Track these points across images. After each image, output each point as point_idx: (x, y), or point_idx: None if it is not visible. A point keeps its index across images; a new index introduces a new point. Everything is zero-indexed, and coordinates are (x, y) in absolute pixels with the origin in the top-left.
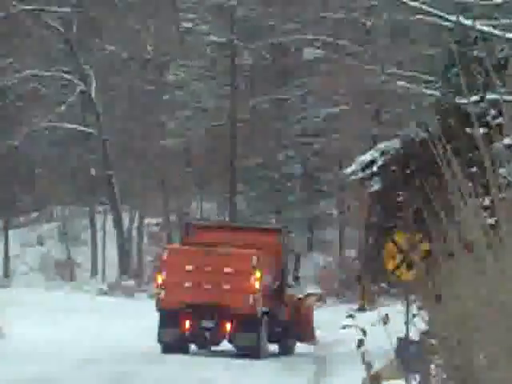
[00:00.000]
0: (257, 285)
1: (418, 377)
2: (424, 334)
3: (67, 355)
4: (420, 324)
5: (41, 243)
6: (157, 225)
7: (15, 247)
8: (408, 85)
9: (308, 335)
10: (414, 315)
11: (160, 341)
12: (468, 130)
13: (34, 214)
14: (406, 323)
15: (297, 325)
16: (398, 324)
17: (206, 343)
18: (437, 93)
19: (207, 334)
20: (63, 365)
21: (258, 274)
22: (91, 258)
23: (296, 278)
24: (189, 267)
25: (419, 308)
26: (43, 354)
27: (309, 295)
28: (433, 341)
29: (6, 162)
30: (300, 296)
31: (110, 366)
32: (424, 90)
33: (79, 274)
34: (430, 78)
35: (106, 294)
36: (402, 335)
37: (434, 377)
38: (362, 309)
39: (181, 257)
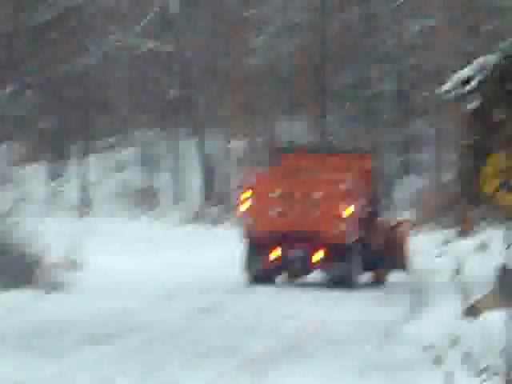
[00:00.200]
0: (348, 210)
1: None
2: None
3: (150, 288)
4: None
5: (121, 169)
6: (243, 148)
7: (94, 174)
8: None
9: (402, 263)
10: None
11: (247, 270)
12: None
13: (113, 139)
14: (508, 250)
15: (391, 252)
16: (498, 251)
17: (296, 273)
18: None
19: (297, 263)
20: (146, 298)
21: (348, 199)
22: (174, 185)
23: (390, 202)
24: (277, 193)
25: None
26: (125, 287)
27: (403, 222)
28: None
29: (82, 83)
30: (394, 222)
31: (193, 297)
32: None
33: (162, 202)
34: None
35: (190, 222)
36: (502, 263)
37: None
38: (460, 234)
39: (268, 183)
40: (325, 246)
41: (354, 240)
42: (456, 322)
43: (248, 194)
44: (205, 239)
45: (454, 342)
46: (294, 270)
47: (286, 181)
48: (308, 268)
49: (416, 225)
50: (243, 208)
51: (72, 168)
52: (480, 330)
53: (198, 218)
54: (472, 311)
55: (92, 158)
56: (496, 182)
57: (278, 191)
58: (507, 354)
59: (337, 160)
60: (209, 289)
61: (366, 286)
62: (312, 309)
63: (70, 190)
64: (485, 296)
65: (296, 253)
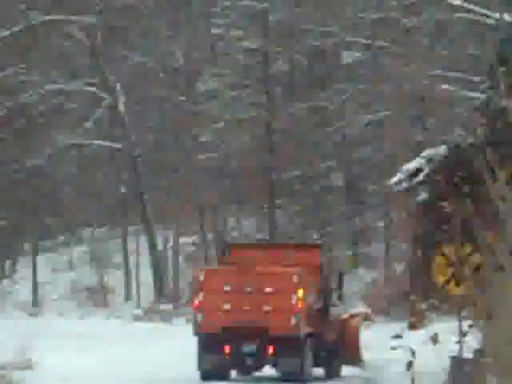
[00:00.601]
0: (299, 304)
1: None
2: (477, 352)
3: None
4: (473, 342)
5: (71, 268)
6: (193, 244)
7: (44, 273)
8: (452, 88)
9: (354, 357)
10: (464, 334)
11: (200, 368)
12: None
13: (63, 238)
14: (459, 341)
15: (342, 346)
16: (450, 342)
17: (247, 369)
18: (483, 95)
19: (249, 359)
20: None
21: (300, 293)
22: (125, 282)
23: (340, 297)
24: (227, 288)
25: (470, 325)
26: None
27: (354, 315)
28: (487, 359)
29: (31, 182)
30: (345, 316)
31: None
32: (470, 93)
33: (112, 300)
34: (476, 80)
35: (141, 319)
36: (454, 354)
37: None
38: (411, 327)
39: (218, 278)
40: (276, 340)
41: (305, 334)
42: None
43: (198, 289)
44: (157, 336)
45: None
46: (246, 366)
47: (235, 275)
48: (260, 363)
49: (368, 318)
50: (194, 303)
51: (22, 267)
52: None
53: (150, 314)
54: None
55: (42, 257)
56: (447, 273)
57: (227, 286)
58: None
59: (287, 253)
60: None
61: (321, 379)
62: None
63: (20, 290)
64: None
65: (247, 348)
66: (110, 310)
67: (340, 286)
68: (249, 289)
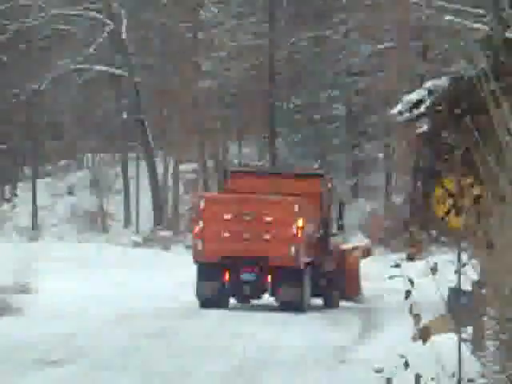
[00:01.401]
0: (299, 234)
1: (469, 329)
2: (476, 283)
3: (100, 312)
4: (472, 273)
5: (71, 193)
6: (193, 171)
7: (44, 197)
8: (456, 19)
9: (353, 290)
10: (464, 264)
11: (198, 295)
12: None
13: (63, 163)
14: (457, 273)
15: (342, 279)
16: (449, 274)
17: (246, 297)
18: (486, 27)
19: (247, 287)
20: (95, 322)
21: (300, 223)
22: (124, 209)
23: (341, 227)
24: (227, 216)
25: (470, 257)
26: (74, 311)
27: (355, 247)
28: (485, 291)
29: (32, 107)
30: (346, 246)
31: (144, 321)
32: (473, 25)
33: (112, 226)
34: (480, 12)
35: (140, 245)
36: (452, 286)
37: (486, 329)
38: (410, 258)
39: (218, 205)
40: (275, 269)
41: (304, 263)
42: (407, 344)
43: (198, 216)
44: (156, 263)
45: (405, 365)
46: (244, 294)
47: (236, 203)
48: (258, 291)
49: (369, 253)
50: (194, 231)
51: (21, 192)
52: (431, 352)
53: (149, 241)
54: (423, 334)
55: (41, 182)
56: (446, 206)
57: (227, 214)
58: (458, 376)
59: (288, 182)
60: (159, 313)
61: (317, 309)
62: (262, 333)
63: (20, 214)
64: (436, 318)
65: (246, 276)
66: (109, 235)
67: (341, 215)
68: (248, 217)
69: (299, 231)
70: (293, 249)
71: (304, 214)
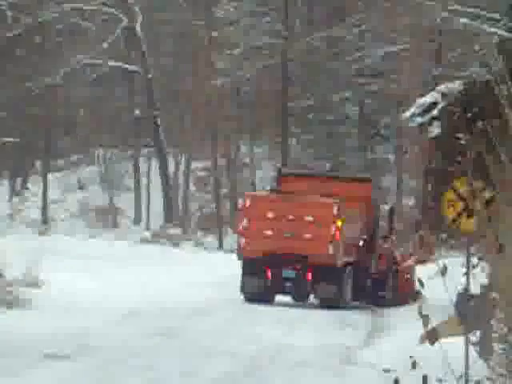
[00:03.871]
0: (337, 234)
1: (478, 332)
2: (485, 287)
3: (109, 308)
4: (481, 277)
5: (81, 188)
6: (204, 170)
7: (55, 192)
8: (471, 22)
9: (406, 290)
10: (473, 266)
11: (243, 291)
12: None
13: (75, 158)
14: (467, 276)
15: (393, 279)
16: (458, 277)
17: (289, 294)
18: (501, 31)
19: (288, 283)
20: (104, 318)
21: (339, 223)
22: (135, 205)
23: (391, 232)
24: (270, 215)
25: (480, 259)
26: (84, 306)
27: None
28: (494, 294)
29: (45, 101)
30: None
31: (153, 319)
32: (488, 29)
33: (122, 222)
34: (495, 16)
35: (149, 242)
36: (461, 289)
37: (494, 332)
38: (420, 260)
39: (262, 204)
40: (314, 267)
41: (343, 262)
42: (415, 346)
43: (242, 214)
44: (166, 260)
45: (413, 366)
46: (285, 290)
47: (277, 204)
48: (299, 288)
49: (424, 262)
50: (238, 229)
51: (32, 186)
52: (439, 354)
53: (158, 238)
54: (431, 336)
55: (53, 177)
56: (457, 208)
57: (270, 213)
58: (466, 378)
59: (338, 186)
60: (168, 310)
61: (333, 309)
62: (270, 333)
63: (31, 208)
64: (444, 321)
65: (286, 273)
66: (119, 231)
67: (391, 219)
68: (290, 216)
69: (337, 231)
70: (331, 248)
71: (345, 215)
